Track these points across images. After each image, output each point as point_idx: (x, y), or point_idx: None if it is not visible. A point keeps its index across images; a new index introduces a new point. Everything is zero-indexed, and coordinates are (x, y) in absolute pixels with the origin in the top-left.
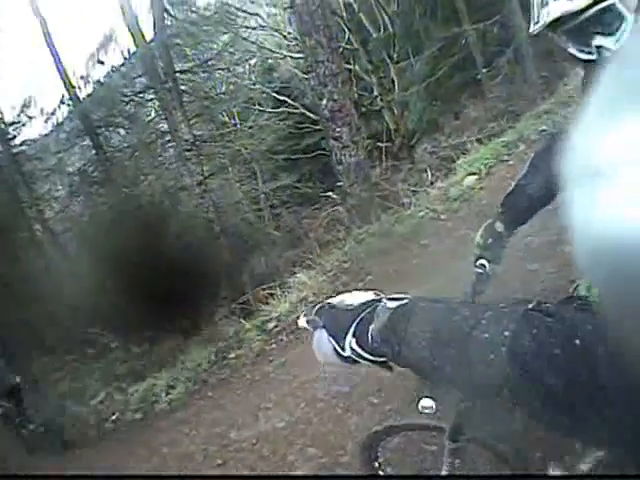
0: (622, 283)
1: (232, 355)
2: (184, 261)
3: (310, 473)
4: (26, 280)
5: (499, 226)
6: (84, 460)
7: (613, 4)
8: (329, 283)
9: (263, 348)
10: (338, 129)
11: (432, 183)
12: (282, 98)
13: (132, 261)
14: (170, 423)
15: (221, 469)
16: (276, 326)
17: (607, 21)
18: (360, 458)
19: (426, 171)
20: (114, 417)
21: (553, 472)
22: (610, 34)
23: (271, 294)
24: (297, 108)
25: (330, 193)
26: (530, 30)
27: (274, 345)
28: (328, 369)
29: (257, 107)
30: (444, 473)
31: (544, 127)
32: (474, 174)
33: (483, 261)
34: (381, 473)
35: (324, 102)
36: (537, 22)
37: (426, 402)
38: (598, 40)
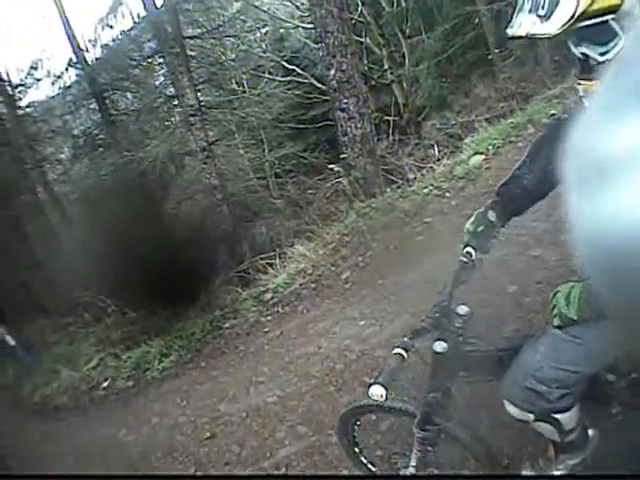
0: (625, 280)
1: (227, 325)
2: (185, 227)
3: (300, 450)
4: (26, 242)
5: (492, 215)
6: (74, 428)
7: (606, 21)
8: (328, 256)
9: (258, 319)
10: (345, 100)
11: (438, 160)
12: (291, 67)
13: (132, 226)
14: (161, 392)
15: (209, 442)
16: (272, 297)
17: (597, 34)
18: (339, 444)
19: (433, 147)
20: (105, 384)
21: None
22: (599, 44)
23: (270, 264)
24: (306, 78)
25: (333, 165)
26: (507, 32)
27: (269, 317)
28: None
29: (266, 75)
30: (413, 461)
31: (554, 111)
32: (481, 153)
33: (470, 249)
34: (363, 460)
35: (332, 72)
36: (511, 27)
37: (375, 389)
38: (584, 48)
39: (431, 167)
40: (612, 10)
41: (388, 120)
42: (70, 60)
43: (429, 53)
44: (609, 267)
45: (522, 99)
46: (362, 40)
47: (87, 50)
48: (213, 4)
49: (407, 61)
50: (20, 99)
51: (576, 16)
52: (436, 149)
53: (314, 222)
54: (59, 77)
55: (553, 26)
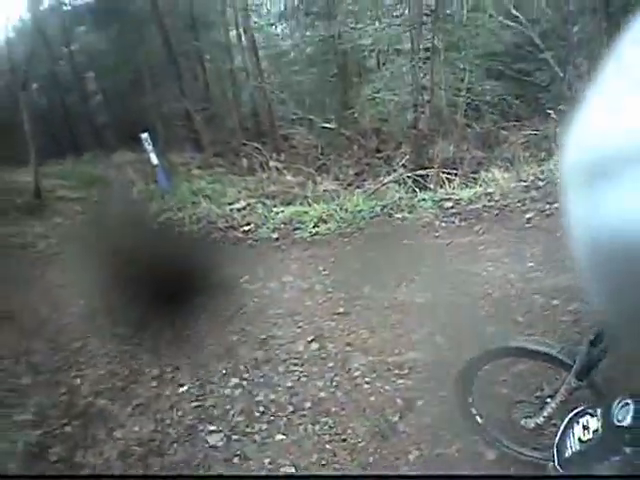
0: (623, 281)
1: (399, 215)
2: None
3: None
4: (204, 79)
5: None
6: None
7: None
8: (520, 192)
9: (432, 222)
10: (578, 59)
11: None
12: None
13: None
14: (304, 255)
15: (339, 317)
16: (452, 207)
17: None
18: (455, 390)
19: None
20: (247, 228)
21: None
22: None
23: (448, 179)
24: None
25: (550, 111)
26: None
27: (444, 224)
28: None
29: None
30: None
31: None
32: None
33: None
34: (474, 411)
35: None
36: None
37: None
38: None
39: None
40: None
41: None
42: None
43: None
44: (607, 268)
45: None
46: None
47: None
48: None
49: None
50: None
51: None
52: None
53: (513, 157)
54: None
55: None
